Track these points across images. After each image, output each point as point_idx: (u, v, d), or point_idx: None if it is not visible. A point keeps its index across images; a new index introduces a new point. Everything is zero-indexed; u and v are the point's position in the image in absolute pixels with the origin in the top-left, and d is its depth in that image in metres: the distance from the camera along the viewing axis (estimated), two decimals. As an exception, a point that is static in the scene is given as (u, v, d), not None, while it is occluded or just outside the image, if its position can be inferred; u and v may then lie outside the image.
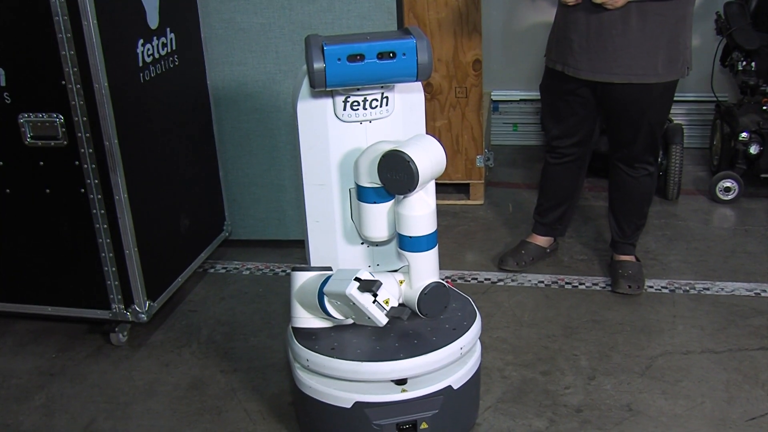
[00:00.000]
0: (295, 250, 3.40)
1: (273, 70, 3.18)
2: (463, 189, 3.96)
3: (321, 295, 2.10)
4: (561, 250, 3.41)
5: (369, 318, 2.05)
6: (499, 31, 4.51)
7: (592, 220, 3.66)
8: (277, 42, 3.14)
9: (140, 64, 2.68)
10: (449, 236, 3.57)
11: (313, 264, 2.28)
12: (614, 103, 2.85)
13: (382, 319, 2.06)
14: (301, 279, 2.21)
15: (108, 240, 2.65)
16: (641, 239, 3.27)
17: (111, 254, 2.67)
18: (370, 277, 2.05)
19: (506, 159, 4.45)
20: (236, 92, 3.24)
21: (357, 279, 2.02)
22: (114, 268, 2.69)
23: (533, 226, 3.34)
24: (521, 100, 4.59)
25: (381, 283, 2.04)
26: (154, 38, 2.75)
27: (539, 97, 3.20)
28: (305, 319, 2.20)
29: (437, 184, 2.15)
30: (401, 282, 2.20)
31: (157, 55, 2.77)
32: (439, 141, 2.05)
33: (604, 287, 3.12)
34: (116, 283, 2.71)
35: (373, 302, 2.04)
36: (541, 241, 3.32)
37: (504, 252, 3.34)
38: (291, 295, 2.23)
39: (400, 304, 2.16)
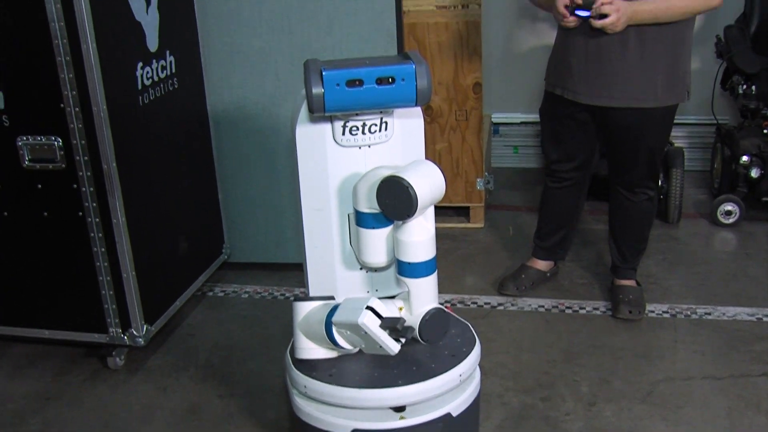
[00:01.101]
0: (294, 274, 3.37)
1: (273, 92, 3.18)
2: (463, 212, 3.95)
3: (329, 325, 2.08)
4: (561, 274, 3.39)
5: (380, 347, 2.03)
6: (500, 54, 4.51)
7: (593, 244, 3.65)
8: (277, 65, 3.14)
9: (139, 87, 2.68)
10: (449, 260, 3.55)
11: (311, 289, 2.25)
12: (613, 127, 2.85)
13: (395, 348, 2.03)
14: (305, 309, 2.18)
15: (105, 263, 2.64)
16: (642, 263, 3.24)
17: (108, 278, 2.66)
18: (384, 308, 2.03)
19: (507, 182, 4.44)
20: (236, 115, 3.23)
21: (369, 308, 2.00)
22: (111, 292, 2.68)
23: (533, 250, 3.33)
24: (522, 122, 4.57)
25: (405, 321, 2.02)
26: (154, 61, 2.75)
27: (539, 120, 3.19)
28: (309, 350, 2.17)
29: (437, 207, 2.13)
30: (401, 309, 2.18)
31: (156, 78, 2.77)
32: (438, 166, 2.04)
33: (604, 312, 3.10)
34: (114, 306, 2.70)
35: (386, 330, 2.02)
36: (542, 265, 3.31)
37: (504, 276, 3.32)
38: (294, 326, 2.20)
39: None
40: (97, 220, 2.58)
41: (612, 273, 3.20)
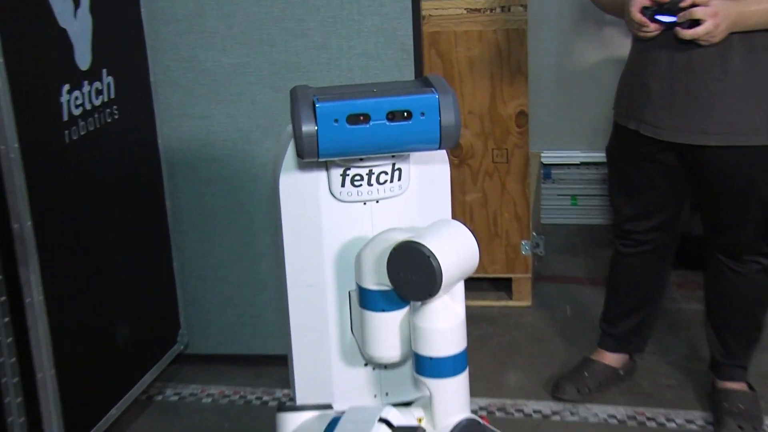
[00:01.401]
0: (275, 370, 3.38)
1: (247, 125, 3.21)
2: (503, 285, 3.97)
3: None
4: (640, 371, 3.37)
5: None
6: (552, 73, 4.58)
7: (684, 330, 3.64)
8: (253, 89, 3.18)
9: (65, 119, 2.68)
10: (485, 351, 3.55)
11: (300, 393, 2.24)
12: (710, 173, 2.83)
13: None
14: (293, 423, 2.17)
15: (12, 359, 2.59)
16: (756, 359, 3.21)
17: (16, 379, 2.61)
18: (402, 420, 2.03)
19: (562, 244, 4.48)
20: (197, 155, 3.26)
21: (383, 421, 2.00)
22: (19, 399, 2.63)
23: (600, 339, 3.32)
24: (582, 163, 4.63)
25: (424, 431, 2.01)
26: (85, 83, 2.77)
27: (606, 161, 3.20)
28: None
29: (469, 279, 2.12)
30: (420, 420, 2.15)
31: (89, 106, 2.78)
32: (469, 229, 2.03)
33: (703, 426, 3.06)
34: (21, 420, 2.64)
35: None
36: (611, 359, 3.29)
37: (560, 374, 3.30)
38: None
39: None
40: (3, 299, 2.55)
41: (713, 372, 3.16)
